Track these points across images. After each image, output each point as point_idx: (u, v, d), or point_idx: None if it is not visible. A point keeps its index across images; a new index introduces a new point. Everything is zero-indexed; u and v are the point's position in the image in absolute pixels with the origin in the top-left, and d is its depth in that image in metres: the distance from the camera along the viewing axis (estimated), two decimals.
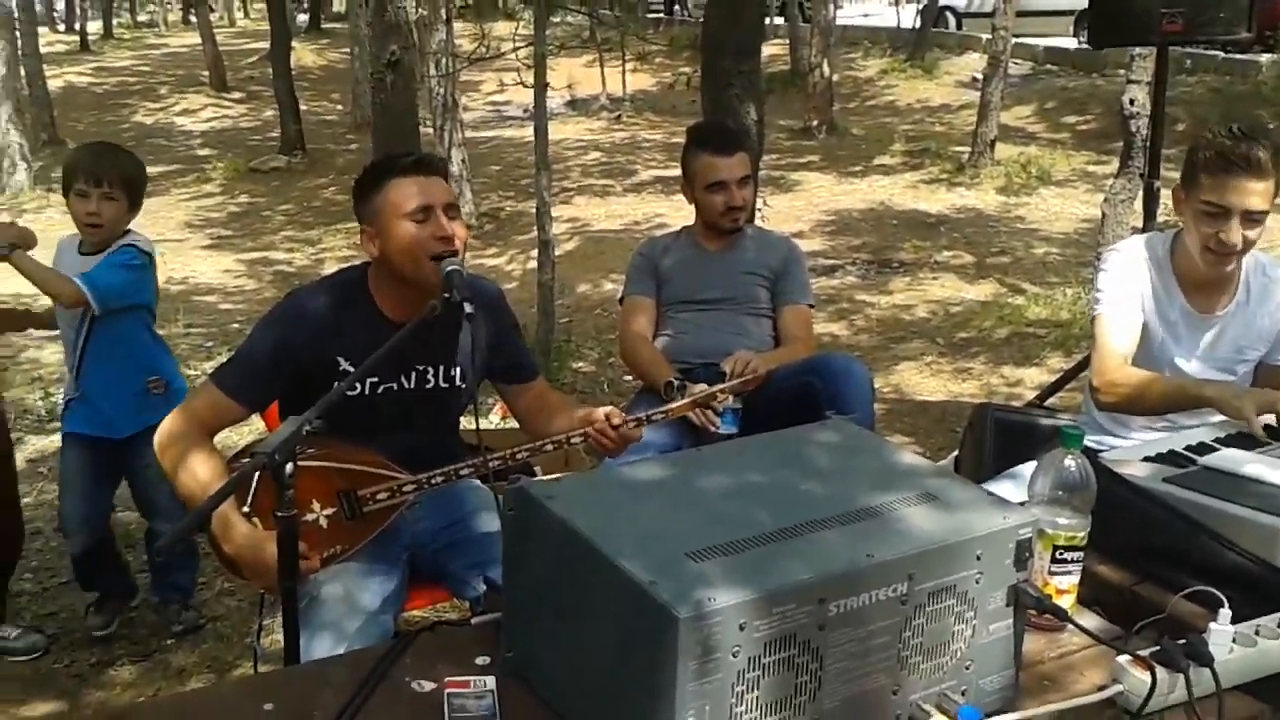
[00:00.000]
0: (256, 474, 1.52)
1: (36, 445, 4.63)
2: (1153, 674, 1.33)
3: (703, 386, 2.77)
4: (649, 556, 1.21)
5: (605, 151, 12.52)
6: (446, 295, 2.00)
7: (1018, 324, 5.96)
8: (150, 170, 11.45)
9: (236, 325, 6.69)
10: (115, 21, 26.67)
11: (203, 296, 7.68)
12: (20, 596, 3.38)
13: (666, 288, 3.19)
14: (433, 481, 2.07)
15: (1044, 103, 12.73)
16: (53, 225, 10.11)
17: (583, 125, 14.05)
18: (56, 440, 4.67)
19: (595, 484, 1.47)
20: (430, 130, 9.54)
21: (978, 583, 1.30)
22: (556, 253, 7.27)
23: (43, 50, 14.94)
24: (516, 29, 7.28)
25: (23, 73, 12.50)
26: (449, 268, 2.04)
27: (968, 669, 1.33)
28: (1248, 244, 2.27)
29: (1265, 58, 11.95)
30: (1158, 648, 1.39)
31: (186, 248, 9.24)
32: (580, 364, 5.72)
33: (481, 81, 16.00)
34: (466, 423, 2.38)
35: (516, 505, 1.38)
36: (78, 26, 24.76)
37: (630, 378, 3.52)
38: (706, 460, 1.53)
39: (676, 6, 22.38)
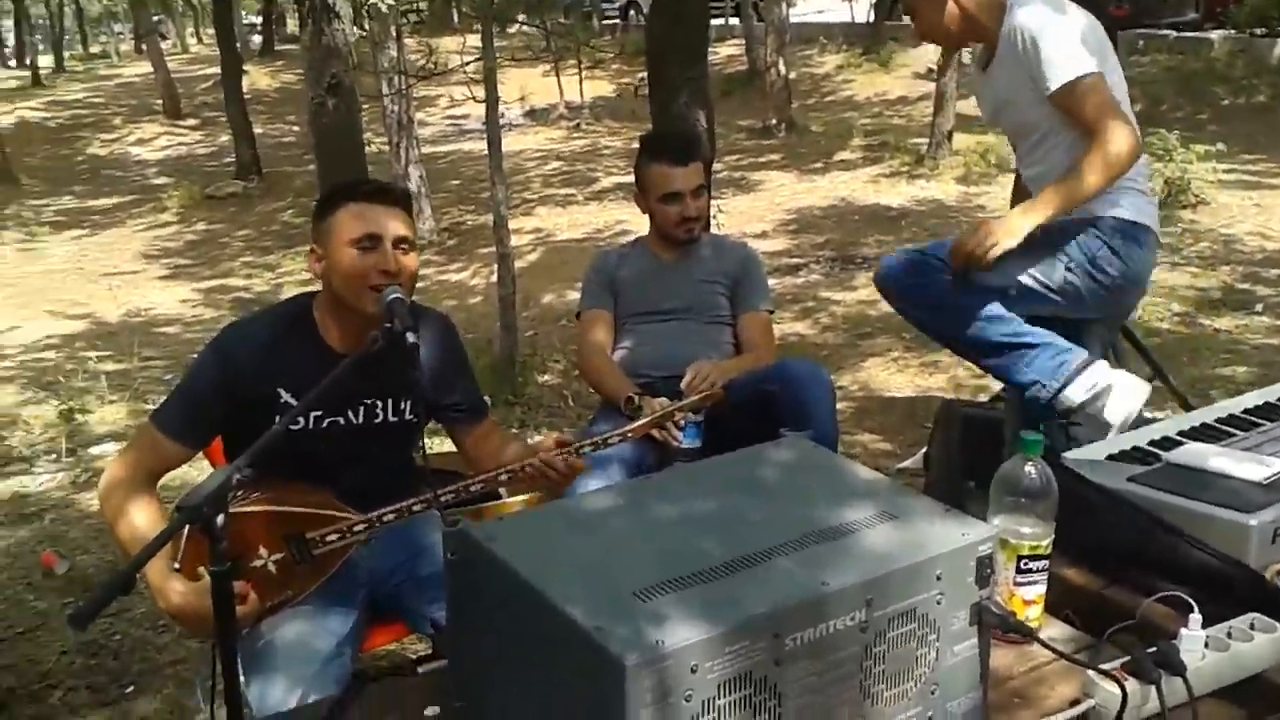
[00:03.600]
0: (185, 529, 1.45)
1: None
2: (1123, 687, 1.28)
3: (663, 401, 2.73)
4: (594, 598, 1.15)
5: (565, 160, 12.48)
6: (388, 325, 1.94)
7: None
8: (105, 201, 11.30)
9: (196, 356, 6.61)
10: (67, 54, 26.41)
11: (161, 328, 7.57)
12: None
13: (623, 300, 3.14)
14: (384, 519, 2.01)
15: None
16: (6, 264, 9.98)
17: (542, 135, 14.00)
18: (12, 484, 4.60)
19: (539, 522, 1.41)
20: (386, 149, 9.47)
21: (939, 604, 1.26)
22: (520, 264, 7.23)
23: None
24: (464, 43, 7.21)
25: None
26: (390, 296, 1.98)
27: (933, 693, 1.28)
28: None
29: (1216, 34, 12.05)
30: (1128, 658, 1.35)
31: (143, 279, 9.13)
32: (546, 376, 5.66)
33: (439, 96, 15.93)
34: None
35: (457, 548, 1.33)
36: (28, 61, 24.46)
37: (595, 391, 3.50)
38: (654, 489, 1.47)
39: (631, 11, 22.36)
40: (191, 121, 17.21)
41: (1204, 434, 1.93)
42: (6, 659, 3.25)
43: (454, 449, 2.46)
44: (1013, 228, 2.38)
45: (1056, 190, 2.39)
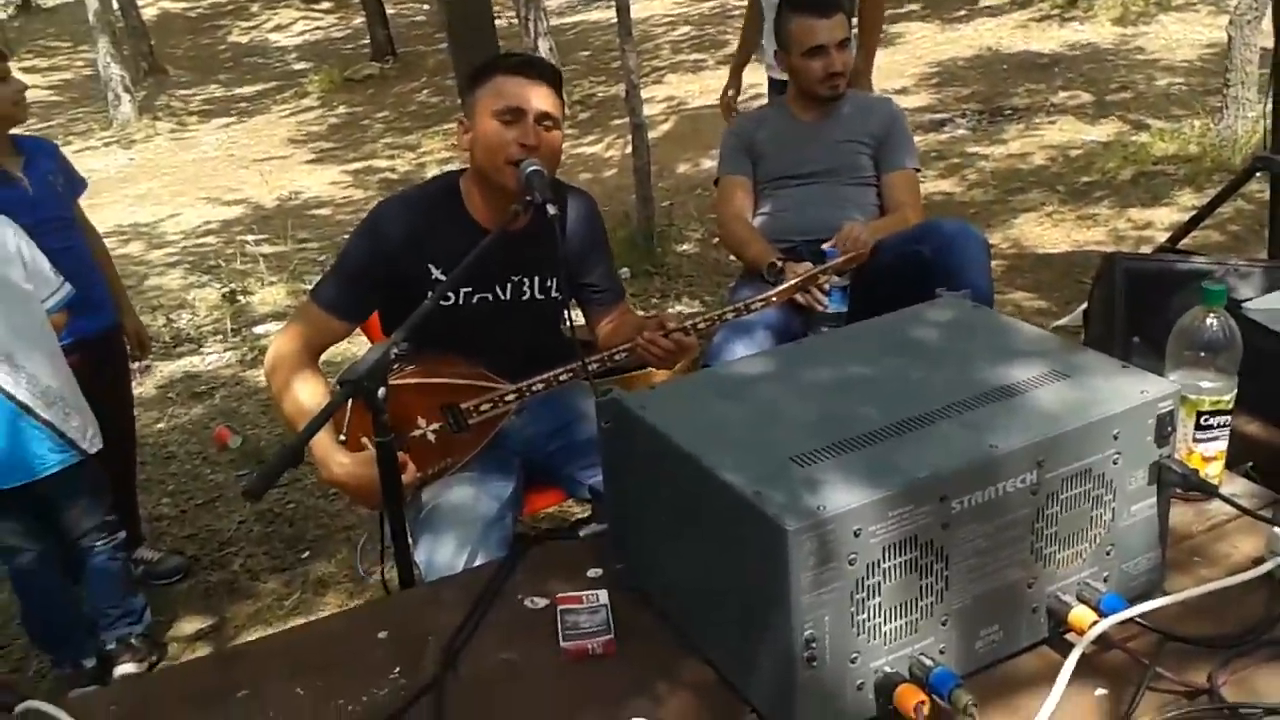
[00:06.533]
0: (349, 402, 1.49)
1: (165, 371, 4.78)
2: None
3: (806, 266, 2.67)
4: (751, 465, 1.14)
5: (694, 24, 12.13)
6: (529, 198, 1.93)
7: (1143, 163, 5.61)
8: (249, 89, 11.47)
9: (348, 236, 6.78)
10: None
11: (313, 210, 7.76)
12: (160, 520, 3.52)
13: (762, 164, 3.06)
14: (533, 389, 2.04)
15: None
16: (161, 154, 10.35)
17: None
18: (184, 365, 4.84)
19: (691, 389, 1.39)
20: (515, 21, 9.36)
21: (1115, 464, 1.20)
22: (653, 134, 7.13)
23: None
24: None
25: (116, 5, 12.66)
26: (530, 168, 1.97)
27: (1109, 554, 1.23)
28: None
29: None
30: None
31: (292, 163, 9.34)
32: (684, 246, 5.62)
33: None
34: None
35: (611, 417, 1.32)
36: None
37: (735, 259, 3.44)
38: (807, 354, 1.44)
39: None
40: (325, 4, 17.30)
41: None
42: (189, 529, 3.47)
43: None
44: None
45: None
